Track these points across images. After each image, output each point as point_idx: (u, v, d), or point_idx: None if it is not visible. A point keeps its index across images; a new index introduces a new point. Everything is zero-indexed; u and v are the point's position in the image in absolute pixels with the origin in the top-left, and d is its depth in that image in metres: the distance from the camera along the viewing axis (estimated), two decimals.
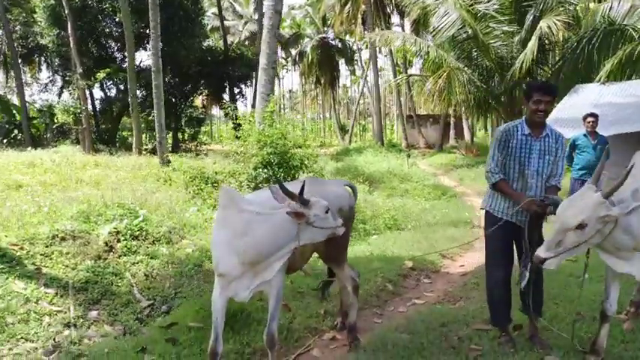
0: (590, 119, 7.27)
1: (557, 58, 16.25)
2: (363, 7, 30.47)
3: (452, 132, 29.24)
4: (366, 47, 46.57)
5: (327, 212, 3.05)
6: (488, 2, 15.54)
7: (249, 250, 3.00)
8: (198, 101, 27.16)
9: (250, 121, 8.34)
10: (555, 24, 13.72)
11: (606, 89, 12.74)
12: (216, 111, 43.17)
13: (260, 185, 7.46)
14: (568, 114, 12.30)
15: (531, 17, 15.46)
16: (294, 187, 3.10)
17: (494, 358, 3.34)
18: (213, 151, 20.67)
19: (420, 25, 19.78)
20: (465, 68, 16.41)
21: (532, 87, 3.48)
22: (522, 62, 14.59)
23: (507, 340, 3.57)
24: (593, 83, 13.68)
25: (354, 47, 41.26)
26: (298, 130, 30.43)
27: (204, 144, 24.53)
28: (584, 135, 7.30)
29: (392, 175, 14.66)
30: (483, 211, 3.69)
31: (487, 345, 3.52)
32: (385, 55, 37.84)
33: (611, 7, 14.47)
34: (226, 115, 13.74)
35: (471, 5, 15.48)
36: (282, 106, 58.94)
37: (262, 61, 9.45)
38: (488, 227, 3.58)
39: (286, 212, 2.95)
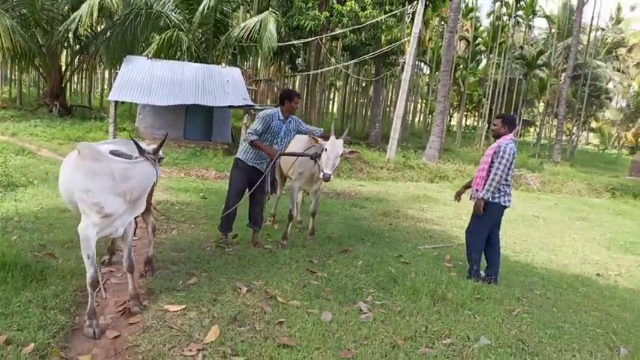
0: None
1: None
2: None
3: None
4: None
5: None
6: None
7: (136, 190, 3.52)
8: None
9: None
10: None
11: (154, 63, 15.30)
12: None
13: None
14: (130, 81, 14.13)
15: None
16: (115, 145, 3.80)
17: (236, 254, 5.16)
18: None
19: None
20: (7, 12, 14.90)
21: (293, 94, 5.26)
22: (76, 23, 15.02)
23: (226, 242, 5.43)
24: (141, 57, 15.92)
25: None
26: None
27: None
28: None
29: None
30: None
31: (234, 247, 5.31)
32: None
33: None
34: None
35: None
36: None
37: None
38: (237, 168, 5.30)
39: (154, 159, 3.70)
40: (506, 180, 4.81)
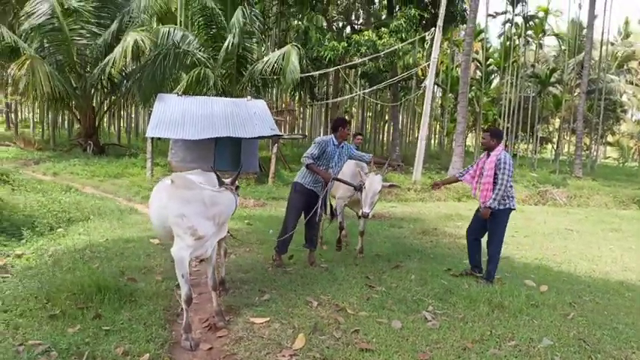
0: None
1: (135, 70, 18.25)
2: None
3: None
4: None
5: None
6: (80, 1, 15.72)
7: (223, 215, 3.92)
8: None
9: None
10: (143, 40, 15.77)
11: (183, 100, 16.00)
12: None
13: None
14: (164, 118, 14.79)
15: (117, 25, 16.86)
16: (198, 176, 4.20)
17: (290, 272, 5.50)
18: None
19: None
20: (45, 59, 15.83)
21: (345, 121, 5.63)
22: (111, 65, 15.85)
23: (280, 263, 5.73)
24: (172, 94, 16.66)
25: None
26: None
27: None
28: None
29: None
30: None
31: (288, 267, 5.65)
32: None
33: (169, 32, 17.78)
34: None
35: None
36: None
37: None
38: (295, 191, 5.66)
39: (233, 189, 4.10)
40: (510, 186, 5.28)
